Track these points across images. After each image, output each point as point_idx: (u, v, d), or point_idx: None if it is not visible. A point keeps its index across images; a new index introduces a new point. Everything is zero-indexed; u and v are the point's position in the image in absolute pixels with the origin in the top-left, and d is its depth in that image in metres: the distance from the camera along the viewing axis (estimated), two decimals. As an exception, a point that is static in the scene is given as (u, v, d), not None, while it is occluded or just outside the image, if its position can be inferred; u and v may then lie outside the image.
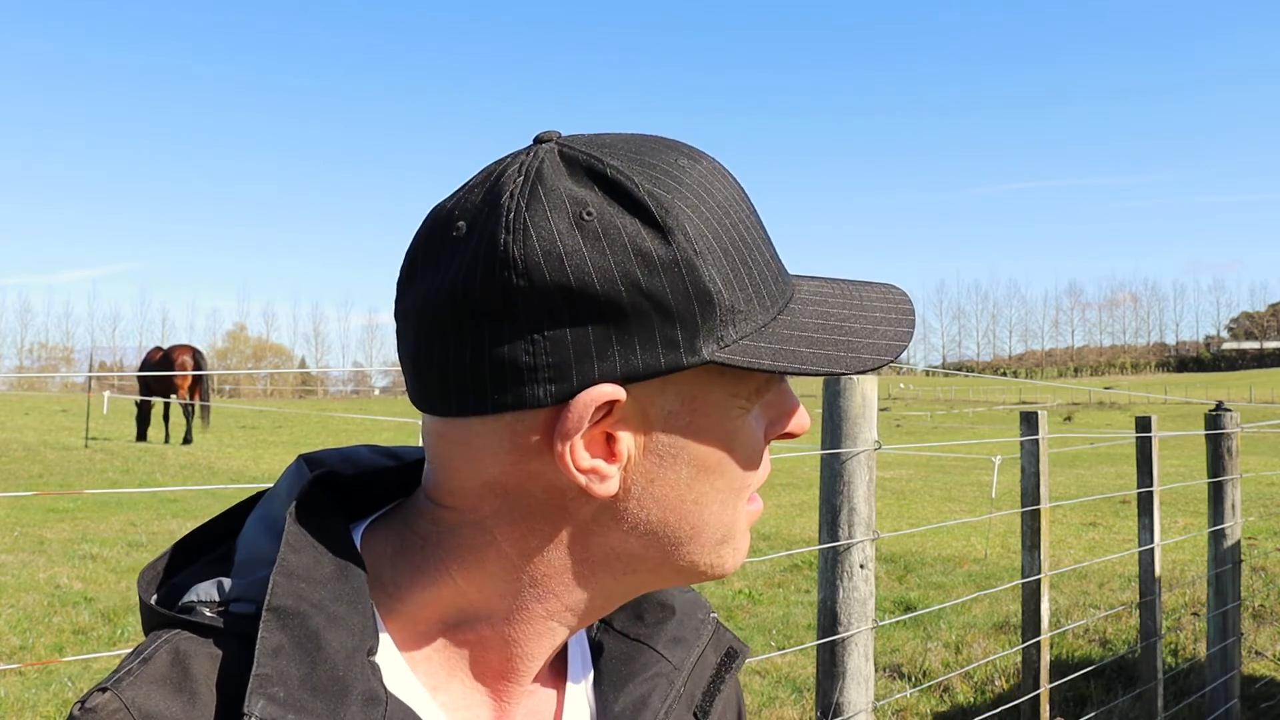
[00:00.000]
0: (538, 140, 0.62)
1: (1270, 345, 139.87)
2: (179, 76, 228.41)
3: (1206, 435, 4.80)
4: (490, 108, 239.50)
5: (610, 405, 0.58)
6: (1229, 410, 4.79)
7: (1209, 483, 4.75)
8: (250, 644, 0.57)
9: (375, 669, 0.59)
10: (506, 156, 0.62)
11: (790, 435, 0.66)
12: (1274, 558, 8.97)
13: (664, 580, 0.66)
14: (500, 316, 0.56)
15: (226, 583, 0.61)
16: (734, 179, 0.64)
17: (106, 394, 23.81)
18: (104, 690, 0.56)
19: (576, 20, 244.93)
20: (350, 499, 0.68)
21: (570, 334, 0.56)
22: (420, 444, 0.68)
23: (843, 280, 0.69)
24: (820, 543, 2.44)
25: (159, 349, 20.02)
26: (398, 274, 0.63)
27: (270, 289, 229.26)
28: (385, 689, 0.59)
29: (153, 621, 0.62)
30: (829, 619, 2.42)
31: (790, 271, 0.67)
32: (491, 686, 0.66)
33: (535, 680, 0.68)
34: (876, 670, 5.48)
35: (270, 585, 0.58)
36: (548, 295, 0.56)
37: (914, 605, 6.98)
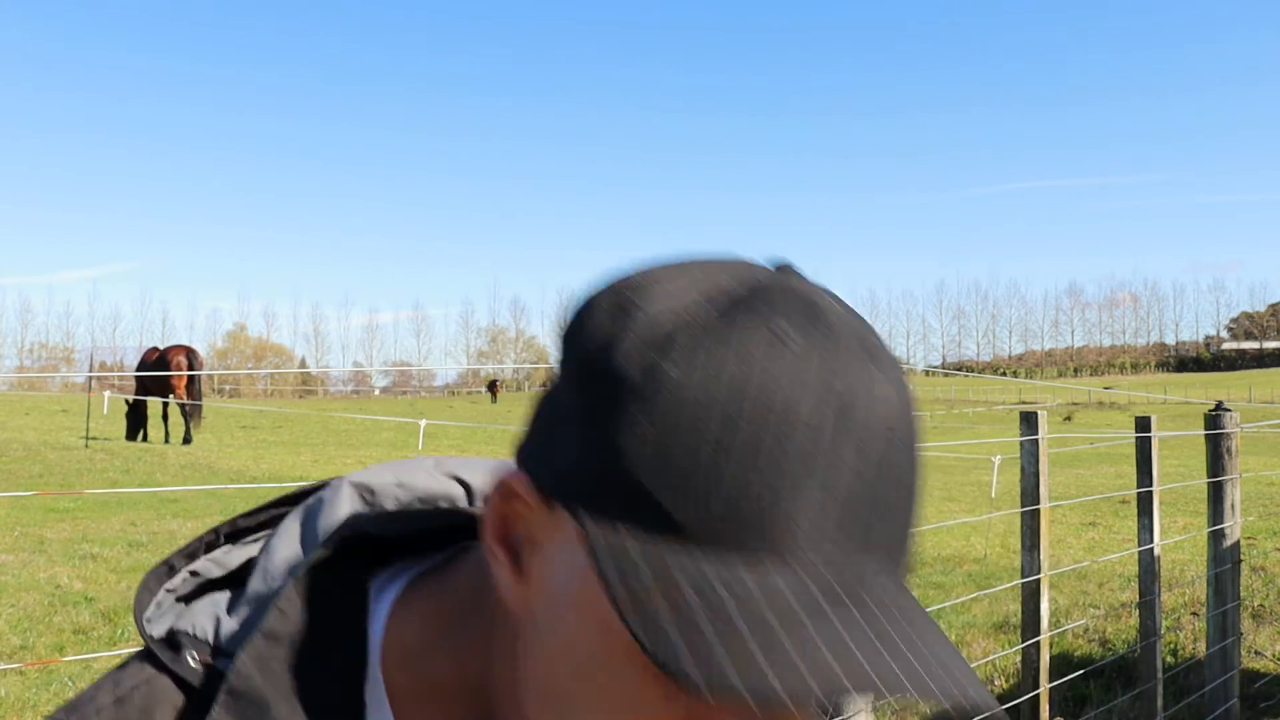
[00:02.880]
0: None
1: (1270, 345, 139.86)
2: (179, 76, 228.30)
3: (1206, 435, 4.80)
4: (491, 106, 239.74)
5: (522, 498, 0.53)
6: (1228, 410, 4.80)
7: (1208, 482, 4.76)
8: None
9: None
10: None
11: None
12: (1273, 557, 8.98)
13: None
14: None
15: (225, 620, 0.58)
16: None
17: (107, 394, 23.80)
18: (69, 714, 0.56)
19: (574, 18, 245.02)
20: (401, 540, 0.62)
21: (549, 426, 0.52)
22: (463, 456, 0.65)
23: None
24: (820, 542, 2.44)
25: (155, 349, 20.05)
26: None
27: (270, 289, 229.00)
28: None
29: (144, 643, 0.59)
30: (829, 618, 2.41)
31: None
32: None
33: None
34: (876, 670, 5.47)
35: (236, 664, 0.54)
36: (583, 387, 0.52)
37: (914, 605, 6.98)
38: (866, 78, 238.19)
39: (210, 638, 0.57)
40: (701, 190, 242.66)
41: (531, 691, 0.51)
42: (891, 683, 0.41)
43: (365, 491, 0.62)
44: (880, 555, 0.47)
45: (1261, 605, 7.05)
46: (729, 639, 0.42)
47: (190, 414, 18.76)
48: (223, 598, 0.60)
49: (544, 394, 0.53)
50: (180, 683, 0.56)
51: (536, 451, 0.51)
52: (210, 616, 0.58)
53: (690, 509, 0.44)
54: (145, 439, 19.05)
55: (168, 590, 0.62)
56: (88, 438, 17.63)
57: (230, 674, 0.54)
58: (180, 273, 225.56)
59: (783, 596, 0.43)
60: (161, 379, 18.68)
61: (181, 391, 18.89)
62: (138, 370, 19.64)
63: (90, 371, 36.20)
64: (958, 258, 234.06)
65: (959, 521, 5.36)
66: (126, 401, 19.62)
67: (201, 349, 20.86)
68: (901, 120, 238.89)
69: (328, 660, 0.55)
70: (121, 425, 19.60)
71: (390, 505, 0.62)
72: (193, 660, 0.56)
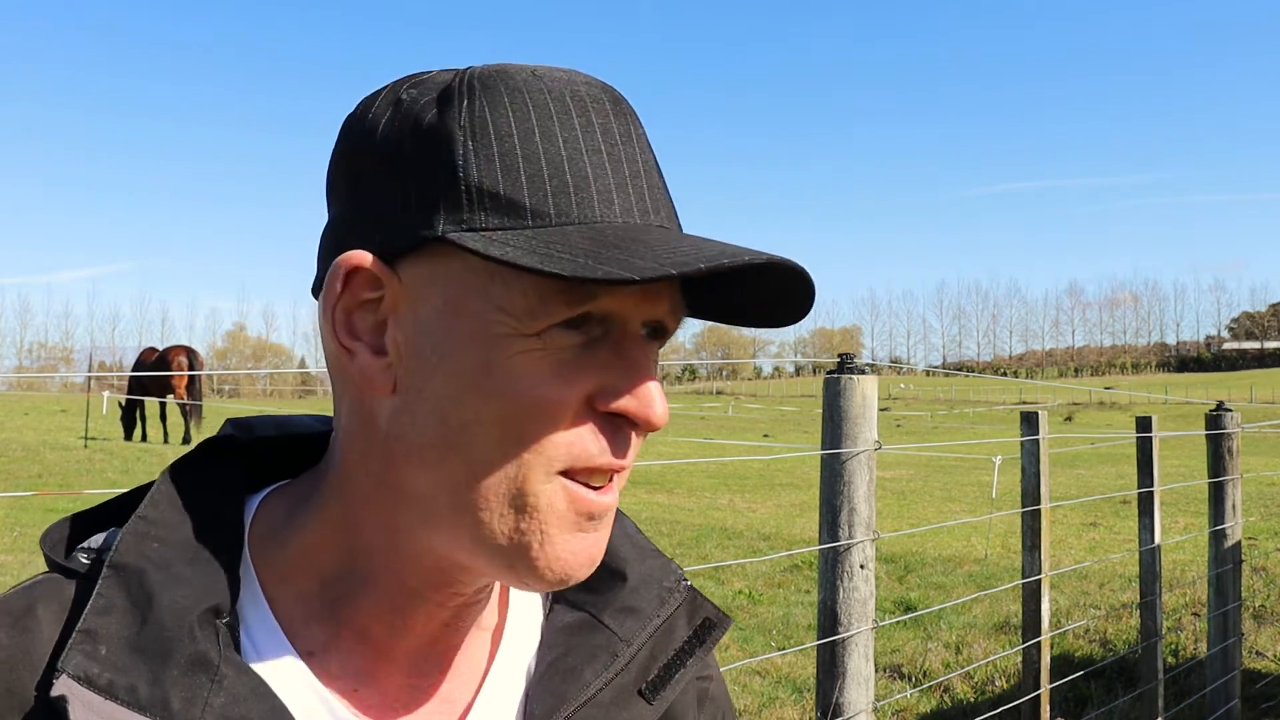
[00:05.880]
0: None
1: (1271, 345, 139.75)
2: (178, 76, 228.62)
3: (1207, 435, 4.79)
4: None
5: (366, 275, 0.57)
6: (1229, 410, 4.79)
7: (1209, 483, 4.75)
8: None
9: (218, 632, 0.58)
10: None
11: (633, 420, 0.56)
12: (1275, 558, 8.97)
13: (472, 554, 0.58)
14: (330, 187, 0.61)
15: (114, 533, 0.62)
16: (603, 96, 0.58)
17: (106, 394, 23.78)
18: None
19: (572, 20, 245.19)
20: (264, 467, 0.69)
21: (348, 203, 0.59)
22: None
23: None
24: (820, 543, 2.43)
25: (153, 349, 19.99)
26: None
27: (270, 289, 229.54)
28: (222, 654, 0.57)
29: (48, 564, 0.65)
30: (829, 619, 2.41)
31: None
32: (376, 643, 0.62)
33: (462, 647, 0.66)
34: (877, 670, 5.47)
35: (116, 541, 0.60)
36: (341, 161, 0.60)
37: (914, 605, 6.98)
38: (866, 77, 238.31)
39: (99, 544, 0.62)
40: (700, 189, 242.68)
41: (424, 457, 0.56)
42: (711, 255, 0.52)
43: (241, 423, 0.70)
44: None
45: (1263, 606, 7.04)
46: (599, 246, 0.52)
47: (190, 414, 18.73)
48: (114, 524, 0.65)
49: (342, 190, 0.60)
50: (67, 575, 0.61)
51: (355, 236, 0.58)
52: (108, 532, 0.63)
53: (536, 196, 0.54)
54: (145, 439, 19.03)
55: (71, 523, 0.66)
56: (87, 438, 17.61)
57: (112, 552, 0.59)
58: (180, 272, 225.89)
59: (612, 228, 0.55)
60: (161, 379, 18.66)
61: (182, 392, 18.86)
62: (134, 370, 19.59)
63: (89, 371, 36.17)
64: (958, 258, 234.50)
65: (960, 522, 5.36)
66: (120, 404, 19.60)
67: (201, 349, 20.87)
68: (901, 120, 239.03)
69: (200, 542, 0.61)
70: (121, 426, 19.58)
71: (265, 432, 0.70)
72: (84, 558, 0.61)
